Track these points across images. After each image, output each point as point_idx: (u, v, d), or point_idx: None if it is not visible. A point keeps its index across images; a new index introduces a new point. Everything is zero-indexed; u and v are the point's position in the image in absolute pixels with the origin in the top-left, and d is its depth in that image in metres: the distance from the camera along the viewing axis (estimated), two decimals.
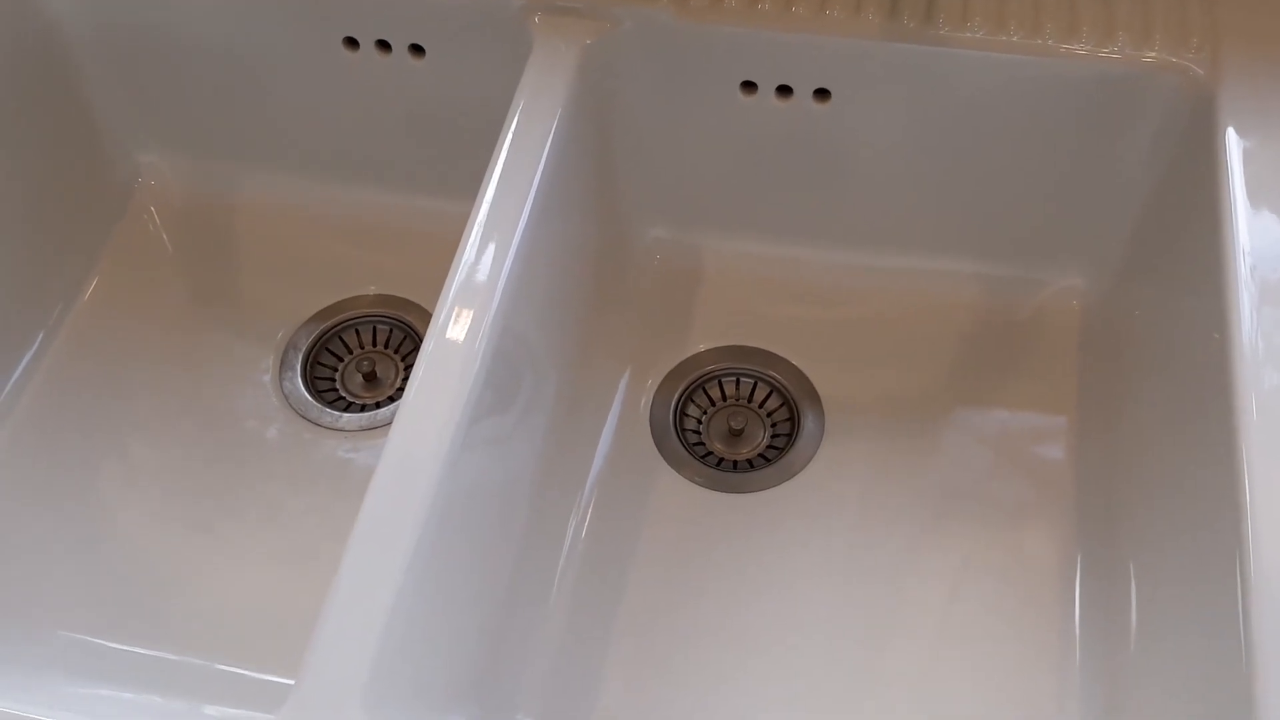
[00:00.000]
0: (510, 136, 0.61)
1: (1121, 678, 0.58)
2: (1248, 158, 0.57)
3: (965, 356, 0.72)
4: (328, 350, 0.76)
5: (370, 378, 0.74)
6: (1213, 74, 0.61)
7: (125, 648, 0.64)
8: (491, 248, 0.57)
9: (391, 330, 0.76)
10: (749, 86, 0.67)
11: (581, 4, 0.65)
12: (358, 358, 0.75)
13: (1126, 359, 0.67)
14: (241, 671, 0.62)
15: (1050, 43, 0.62)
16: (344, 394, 0.74)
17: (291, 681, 0.47)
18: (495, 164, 0.60)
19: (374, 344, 0.76)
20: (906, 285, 0.73)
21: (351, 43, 0.70)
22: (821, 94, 0.67)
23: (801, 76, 0.66)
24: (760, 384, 0.72)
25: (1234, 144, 0.58)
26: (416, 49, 0.70)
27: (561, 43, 0.64)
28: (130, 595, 0.65)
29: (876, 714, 0.61)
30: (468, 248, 0.57)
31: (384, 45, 0.70)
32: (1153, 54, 0.62)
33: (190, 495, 0.69)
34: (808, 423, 0.71)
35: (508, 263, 0.57)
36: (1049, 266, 0.72)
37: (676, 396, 0.72)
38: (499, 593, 0.61)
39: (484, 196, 0.59)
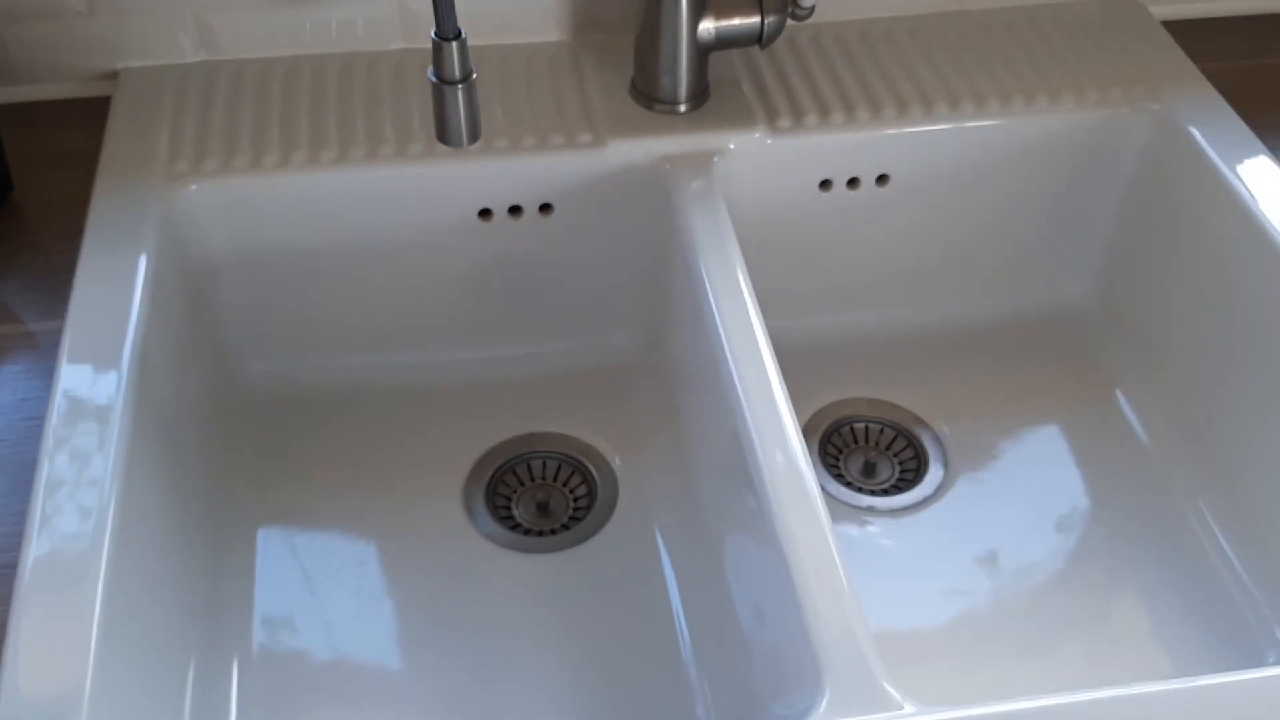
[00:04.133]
0: (703, 258, 0.72)
1: None
2: (1225, 158, 0.79)
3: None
4: (497, 494, 0.82)
5: (543, 508, 0.81)
6: (1166, 111, 0.83)
7: None
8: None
9: (545, 462, 0.84)
10: (826, 184, 0.83)
11: (696, 148, 0.79)
12: (531, 489, 0.82)
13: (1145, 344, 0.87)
14: None
15: (1045, 110, 0.82)
16: (521, 522, 0.80)
17: None
18: (708, 289, 0.71)
19: (531, 480, 0.83)
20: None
21: (485, 213, 0.80)
22: (883, 179, 0.83)
23: (866, 167, 0.82)
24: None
25: (1213, 151, 0.79)
26: (546, 208, 0.80)
27: (696, 172, 0.77)
28: None
29: None
30: None
31: (516, 210, 0.80)
32: (1120, 103, 0.83)
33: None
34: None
35: None
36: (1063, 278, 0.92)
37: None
38: None
39: (716, 311, 0.70)
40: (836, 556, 0.59)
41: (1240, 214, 0.77)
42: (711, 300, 0.70)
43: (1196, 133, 0.81)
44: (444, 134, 0.67)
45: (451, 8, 0.63)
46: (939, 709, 0.53)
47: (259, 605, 0.74)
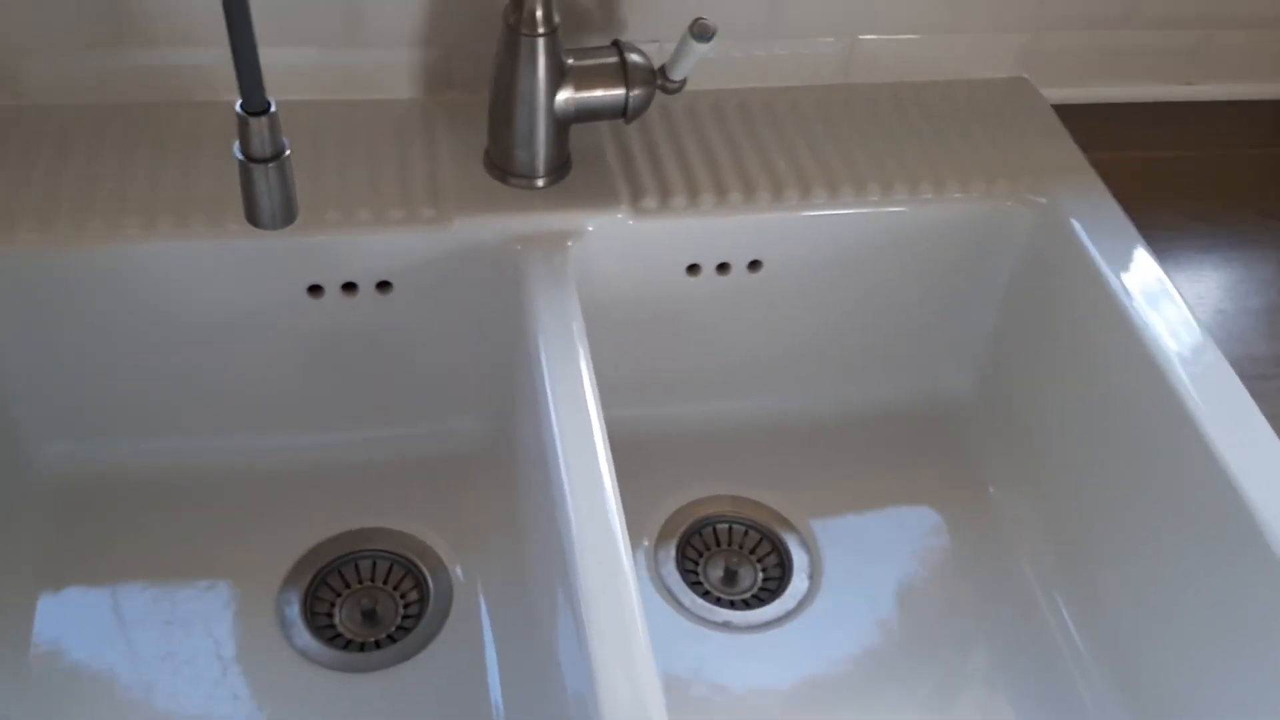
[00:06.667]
0: (542, 342, 0.66)
1: None
2: (1107, 258, 0.74)
3: None
4: (318, 598, 0.74)
5: (370, 615, 0.73)
6: (1051, 205, 0.78)
7: None
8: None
9: (375, 562, 0.76)
10: (694, 268, 0.77)
11: (551, 228, 0.72)
12: (355, 594, 0.74)
13: (1020, 434, 0.82)
14: None
15: (929, 198, 0.77)
16: (344, 633, 0.73)
17: None
18: (545, 379, 0.64)
19: (360, 581, 0.75)
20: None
21: (315, 289, 0.72)
22: (755, 265, 0.77)
23: (737, 252, 0.77)
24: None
25: (1095, 250, 0.75)
26: (384, 285, 0.73)
27: (548, 255, 0.70)
28: None
29: None
30: None
31: (350, 287, 0.72)
32: (1006, 195, 0.78)
33: None
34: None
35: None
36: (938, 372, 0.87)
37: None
38: None
39: (551, 403, 0.63)
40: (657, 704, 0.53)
41: (1117, 316, 0.72)
42: (548, 391, 0.63)
43: (1079, 228, 0.76)
44: (253, 216, 0.59)
45: (258, 78, 0.55)
46: None
47: None
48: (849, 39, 0.83)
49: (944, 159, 0.79)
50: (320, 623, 0.73)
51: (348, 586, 0.75)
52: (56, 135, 0.72)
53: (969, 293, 0.82)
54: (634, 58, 0.71)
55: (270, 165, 0.57)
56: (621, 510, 0.59)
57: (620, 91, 0.71)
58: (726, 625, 0.75)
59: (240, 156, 0.57)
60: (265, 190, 0.58)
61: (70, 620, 0.70)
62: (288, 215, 0.60)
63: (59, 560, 0.72)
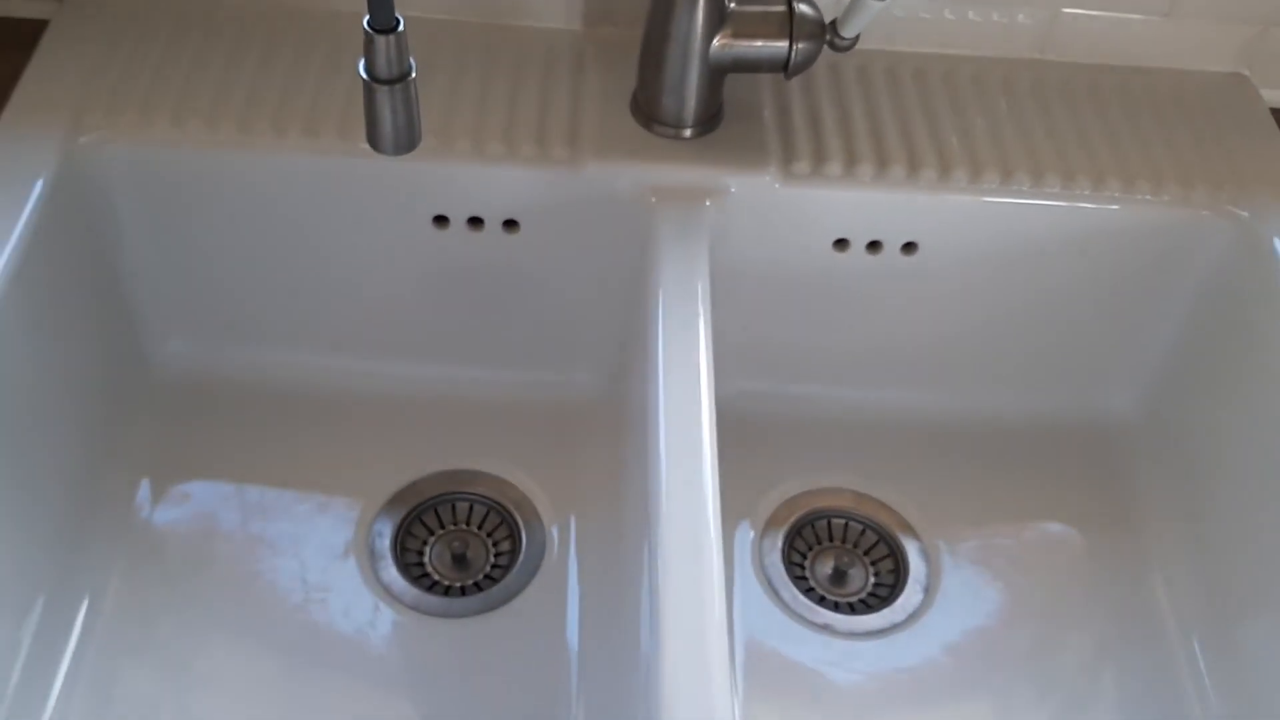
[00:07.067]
0: (662, 301, 0.62)
1: None
2: None
3: None
4: (411, 534, 0.72)
5: (460, 559, 0.72)
6: (1252, 220, 0.69)
7: None
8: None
9: (472, 506, 0.74)
10: (842, 243, 0.71)
11: (690, 183, 0.67)
12: (447, 536, 0.72)
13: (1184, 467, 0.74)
14: None
15: (1114, 197, 0.70)
16: (431, 573, 0.71)
17: None
18: (659, 342, 0.60)
19: (454, 523, 0.73)
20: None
21: (440, 220, 0.70)
22: (910, 247, 0.71)
23: (892, 232, 0.71)
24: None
25: None
26: (511, 224, 0.70)
27: (683, 212, 0.66)
28: None
29: None
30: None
31: (476, 221, 0.70)
32: (1203, 203, 0.70)
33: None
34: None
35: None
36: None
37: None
38: None
39: (661, 367, 0.59)
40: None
41: None
42: (659, 353, 0.60)
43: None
44: (374, 138, 0.57)
45: None
46: None
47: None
48: (1050, 11, 0.75)
49: (1138, 155, 0.71)
50: (409, 559, 0.71)
51: (442, 527, 0.73)
52: (202, 32, 0.71)
53: (1147, 306, 0.74)
54: (803, 8, 0.65)
55: (395, 87, 0.55)
56: (717, 484, 0.55)
57: (783, 44, 0.65)
58: (826, 628, 0.70)
59: (364, 76, 0.55)
60: (388, 113, 0.56)
61: (164, 519, 0.70)
62: (410, 141, 0.57)
63: (163, 457, 0.73)
